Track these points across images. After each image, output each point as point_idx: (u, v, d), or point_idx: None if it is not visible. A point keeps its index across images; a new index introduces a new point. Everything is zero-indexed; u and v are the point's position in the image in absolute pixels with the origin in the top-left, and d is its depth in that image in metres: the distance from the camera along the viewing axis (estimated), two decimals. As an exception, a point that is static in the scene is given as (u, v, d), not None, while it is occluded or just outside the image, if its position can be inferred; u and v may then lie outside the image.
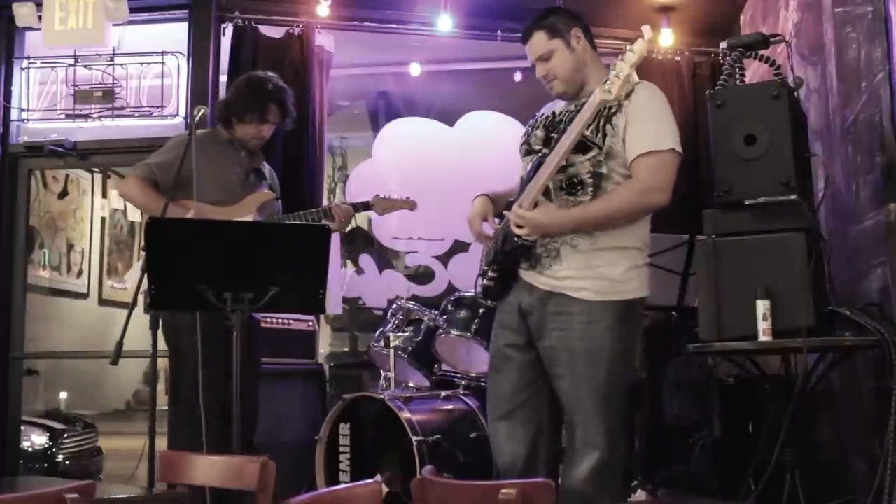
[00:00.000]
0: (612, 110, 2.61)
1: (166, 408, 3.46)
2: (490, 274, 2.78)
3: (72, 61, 4.75)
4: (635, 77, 2.56)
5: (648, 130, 2.60)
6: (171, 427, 3.29)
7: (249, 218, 3.33)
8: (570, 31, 2.74)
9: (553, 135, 2.70)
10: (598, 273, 2.61)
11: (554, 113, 2.80)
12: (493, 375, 2.81)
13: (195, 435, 3.06)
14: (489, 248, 2.81)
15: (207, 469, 2.20)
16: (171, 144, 3.50)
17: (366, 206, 3.72)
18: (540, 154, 2.70)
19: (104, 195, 7.20)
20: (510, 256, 2.70)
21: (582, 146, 2.59)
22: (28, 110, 4.83)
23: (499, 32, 5.08)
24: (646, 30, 2.45)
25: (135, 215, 6.97)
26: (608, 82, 2.46)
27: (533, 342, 2.70)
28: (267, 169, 3.68)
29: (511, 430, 2.72)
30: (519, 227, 2.61)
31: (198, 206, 3.21)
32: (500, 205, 2.83)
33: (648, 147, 2.59)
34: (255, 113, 3.45)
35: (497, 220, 2.84)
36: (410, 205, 3.82)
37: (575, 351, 2.59)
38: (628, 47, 2.46)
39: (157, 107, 4.67)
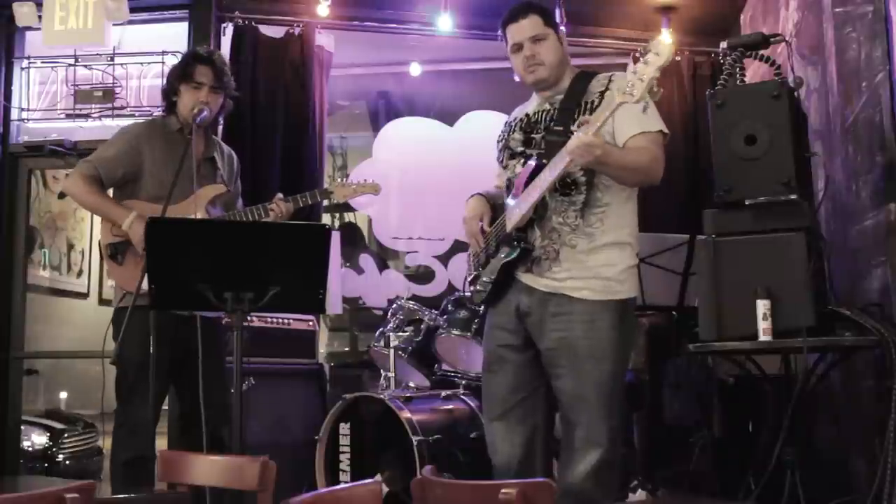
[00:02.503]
0: (595, 103, 2.64)
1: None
2: (485, 280, 2.79)
3: (72, 61, 4.74)
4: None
5: (637, 114, 2.59)
6: (114, 432, 3.21)
7: (198, 215, 3.20)
8: (559, 28, 2.82)
9: (533, 135, 2.74)
10: (597, 273, 2.64)
11: (527, 115, 2.83)
12: (488, 376, 2.83)
13: (133, 436, 3.07)
14: (480, 252, 2.83)
15: (207, 469, 2.20)
16: (116, 138, 3.36)
17: (326, 193, 3.54)
18: (524, 155, 2.72)
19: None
20: (509, 263, 2.69)
21: (569, 139, 2.59)
22: (28, 110, 4.83)
23: (499, 32, 5.07)
24: (665, 36, 2.36)
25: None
26: (629, 84, 2.34)
27: (529, 343, 2.72)
28: (225, 152, 3.50)
29: (507, 430, 2.74)
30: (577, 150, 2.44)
31: (143, 205, 3.16)
32: (494, 208, 2.84)
33: (640, 128, 2.63)
34: (185, 79, 3.29)
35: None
36: (374, 188, 3.54)
37: (578, 350, 2.61)
38: (651, 49, 2.34)
39: (157, 106, 4.63)
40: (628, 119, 2.60)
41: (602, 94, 2.65)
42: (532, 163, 2.66)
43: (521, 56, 2.78)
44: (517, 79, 2.87)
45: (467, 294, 3.96)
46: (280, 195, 3.32)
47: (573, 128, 2.56)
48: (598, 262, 2.64)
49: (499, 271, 2.71)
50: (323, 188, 3.64)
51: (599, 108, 2.48)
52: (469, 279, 2.94)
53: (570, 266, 2.64)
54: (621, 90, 2.37)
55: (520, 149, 2.78)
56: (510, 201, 2.72)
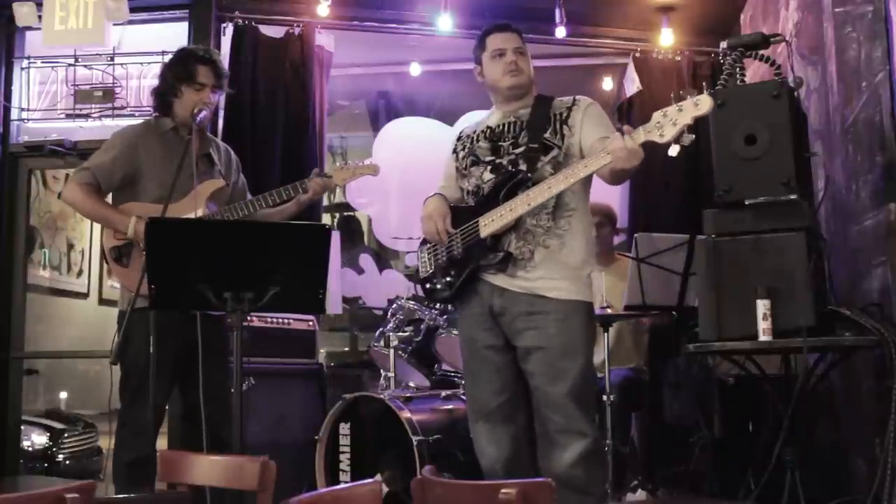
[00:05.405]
0: (564, 115, 2.84)
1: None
2: (448, 279, 2.87)
3: (72, 61, 4.75)
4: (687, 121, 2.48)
5: (600, 119, 2.87)
6: (117, 432, 3.19)
7: (200, 212, 3.17)
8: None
9: (501, 143, 2.87)
10: (568, 274, 2.75)
11: (490, 127, 2.95)
12: (471, 377, 2.89)
13: (136, 436, 3.06)
14: (439, 252, 2.90)
15: (207, 469, 2.20)
16: (112, 142, 3.31)
17: (325, 177, 3.48)
18: (493, 164, 2.84)
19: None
20: (477, 264, 2.78)
21: (544, 148, 2.79)
22: (28, 110, 4.83)
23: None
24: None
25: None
26: (657, 124, 2.46)
27: (510, 344, 2.79)
28: (222, 147, 3.48)
29: (492, 431, 2.81)
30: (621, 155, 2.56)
31: (143, 207, 3.13)
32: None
33: (607, 132, 2.76)
34: (186, 81, 3.25)
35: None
36: (372, 169, 3.54)
37: (552, 347, 2.69)
38: (690, 97, 2.43)
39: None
40: (594, 124, 2.81)
41: (570, 108, 2.84)
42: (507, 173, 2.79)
43: (503, 62, 2.91)
44: (497, 82, 2.95)
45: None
46: (317, 170, 3.39)
47: (546, 135, 2.78)
48: (569, 264, 2.75)
49: (469, 273, 2.80)
50: (323, 173, 3.63)
51: (642, 127, 2.54)
52: (424, 277, 2.97)
53: (543, 266, 2.74)
54: (647, 129, 2.48)
55: (489, 158, 2.88)
56: (472, 205, 2.84)
